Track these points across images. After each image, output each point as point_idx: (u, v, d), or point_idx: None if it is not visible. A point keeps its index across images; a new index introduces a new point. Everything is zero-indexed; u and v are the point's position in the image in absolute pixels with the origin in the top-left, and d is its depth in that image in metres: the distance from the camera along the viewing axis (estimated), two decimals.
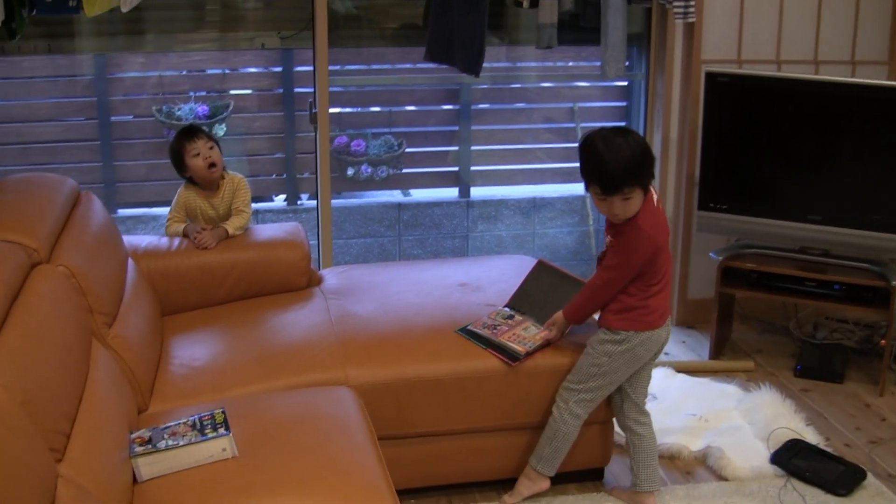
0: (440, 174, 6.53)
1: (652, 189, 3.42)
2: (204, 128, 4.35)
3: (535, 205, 6.49)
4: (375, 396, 3.53)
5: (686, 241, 5.11)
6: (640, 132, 5.26)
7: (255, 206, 6.24)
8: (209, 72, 6.21)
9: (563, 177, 6.51)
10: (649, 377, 3.67)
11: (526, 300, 3.86)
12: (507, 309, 3.85)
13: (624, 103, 5.90)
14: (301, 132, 6.29)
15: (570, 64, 6.35)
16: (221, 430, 2.93)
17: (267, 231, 4.30)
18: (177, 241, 4.17)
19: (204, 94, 6.18)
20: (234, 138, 6.20)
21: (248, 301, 4.11)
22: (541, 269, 3.94)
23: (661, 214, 3.43)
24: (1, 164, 5.83)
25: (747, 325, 5.28)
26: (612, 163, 3.26)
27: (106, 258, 3.57)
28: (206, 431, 2.94)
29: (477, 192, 6.50)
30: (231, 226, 4.17)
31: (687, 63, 4.98)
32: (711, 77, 4.64)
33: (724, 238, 5.01)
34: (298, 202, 6.41)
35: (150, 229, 6.20)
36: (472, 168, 6.49)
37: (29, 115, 6.05)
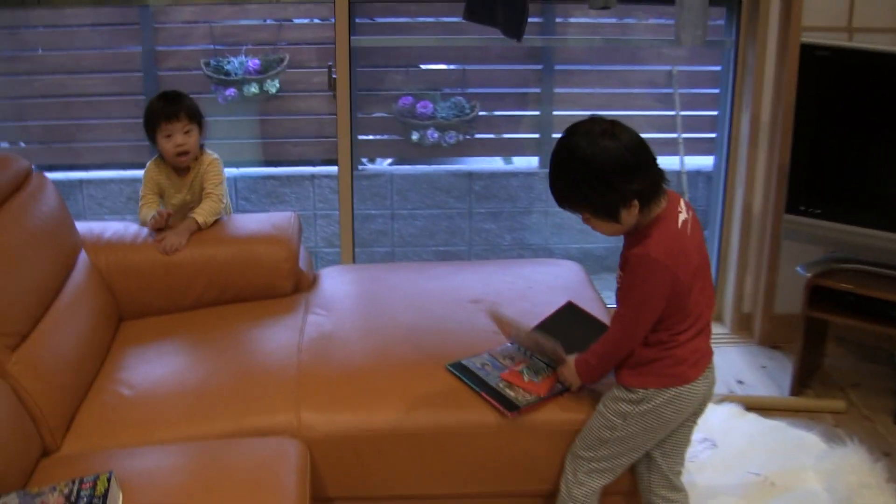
0: (518, 141, 5.65)
1: (682, 203, 2.52)
2: (188, 101, 3.55)
3: None
4: (333, 450, 2.74)
5: (774, 245, 4.11)
6: (727, 109, 4.27)
7: (311, 169, 5.51)
8: (265, 21, 5.42)
9: (658, 148, 5.50)
10: (687, 441, 2.77)
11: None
12: (514, 347, 2.98)
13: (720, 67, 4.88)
14: (362, 90, 5.48)
15: (651, 21, 5.35)
16: None
17: (250, 223, 3.50)
18: (145, 232, 3.41)
19: (256, 46, 5.42)
20: (289, 95, 5.42)
21: (219, 309, 3.35)
22: (568, 312, 3.06)
23: (685, 238, 2.48)
24: (43, 119, 5.30)
25: (844, 349, 4.25)
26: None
27: (30, 262, 2.83)
28: None
29: None
30: (201, 214, 3.41)
31: (784, 30, 3.95)
32: (808, 49, 3.61)
33: (819, 248, 4.01)
34: (360, 167, 5.60)
35: None
36: (554, 136, 5.54)
37: (72, 67, 5.38)
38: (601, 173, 2.37)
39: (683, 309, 2.49)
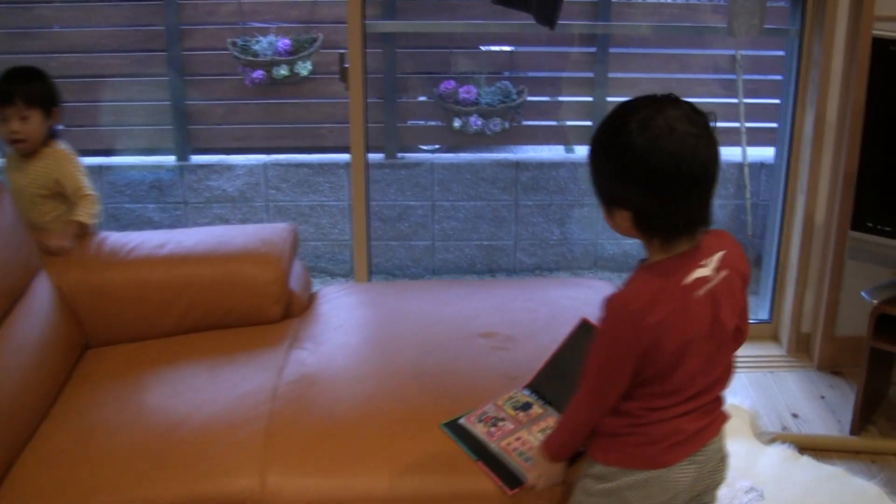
0: (568, 129, 5.14)
1: (717, 258, 1.92)
2: (34, 84, 3.02)
3: None
4: None
5: (838, 261, 3.55)
6: (789, 105, 3.71)
7: (346, 157, 5.06)
8: None
9: (718, 138, 4.99)
10: None
11: (557, 377, 2.45)
12: (525, 391, 2.48)
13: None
14: (403, 73, 5.01)
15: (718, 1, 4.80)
16: None
17: (237, 237, 3.03)
18: (109, 245, 2.99)
19: (287, 24, 4.98)
20: (322, 77, 4.98)
21: (197, 338, 2.88)
22: (584, 331, 2.51)
23: (689, 299, 1.88)
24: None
25: None
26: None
27: None
28: None
29: None
30: (82, 215, 3.01)
31: (854, 20, 3.35)
32: (881, 44, 3.03)
33: (889, 270, 3.44)
34: (399, 155, 5.14)
35: (224, 180, 5.07)
36: None
37: (91, 45, 4.99)
38: (613, 153, 1.84)
39: (665, 382, 1.93)
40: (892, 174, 3.10)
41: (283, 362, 2.68)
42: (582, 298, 3.00)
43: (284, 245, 3.01)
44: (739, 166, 4.91)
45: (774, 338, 3.90)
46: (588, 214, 5.13)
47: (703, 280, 1.89)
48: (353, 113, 3.56)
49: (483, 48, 5.18)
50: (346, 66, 3.49)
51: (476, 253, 5.19)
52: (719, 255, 1.93)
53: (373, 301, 3.04)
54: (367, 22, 3.51)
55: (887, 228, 3.09)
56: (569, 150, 5.24)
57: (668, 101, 1.82)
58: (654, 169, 1.78)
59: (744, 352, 3.82)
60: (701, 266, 1.90)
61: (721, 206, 5.02)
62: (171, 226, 5.12)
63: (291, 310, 2.98)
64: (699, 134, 1.79)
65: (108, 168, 5.10)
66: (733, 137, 4.83)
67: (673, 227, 1.86)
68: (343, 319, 2.91)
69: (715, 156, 1.81)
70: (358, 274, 3.82)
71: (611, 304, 1.87)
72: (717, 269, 1.91)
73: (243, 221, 5.16)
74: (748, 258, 2.03)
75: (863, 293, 3.15)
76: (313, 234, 5.18)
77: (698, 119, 1.81)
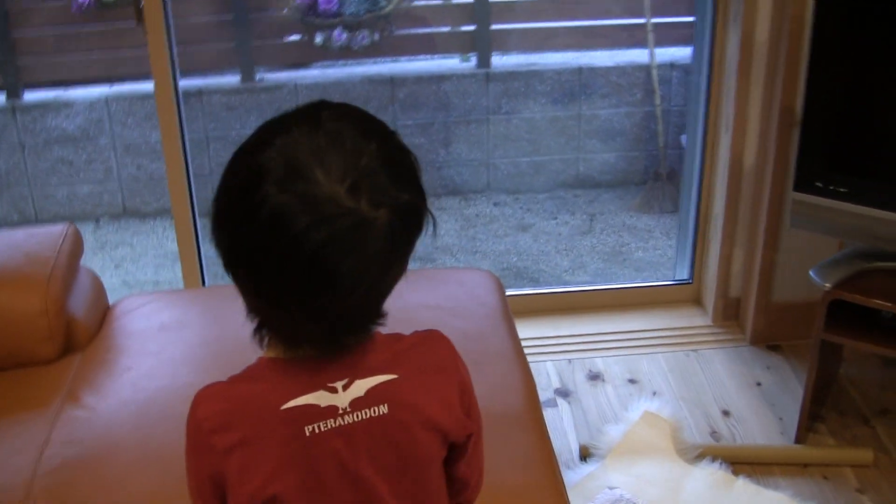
0: (448, 36, 4.27)
1: (372, 386, 1.15)
2: None
3: (582, 77, 4.20)
4: None
5: (773, 218, 2.72)
6: (707, 24, 2.84)
7: (196, 82, 4.15)
8: None
9: (620, 38, 4.19)
10: None
11: None
12: None
13: None
14: None
15: None
16: None
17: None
18: None
19: None
20: None
21: None
22: None
23: (303, 440, 1.12)
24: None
25: (867, 362, 2.83)
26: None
27: None
28: None
29: (501, 62, 4.21)
30: None
31: None
32: None
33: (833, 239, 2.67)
34: (257, 78, 4.24)
35: (62, 118, 4.19)
36: (494, 27, 4.30)
37: None
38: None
39: None
40: (850, 116, 2.26)
41: (48, 435, 1.89)
42: (452, 296, 2.22)
43: (57, 258, 2.16)
44: (647, 68, 4.09)
45: (697, 302, 3.10)
46: (476, 132, 4.29)
47: (320, 411, 1.13)
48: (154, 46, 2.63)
49: None
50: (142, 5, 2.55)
51: None
52: (377, 380, 1.15)
53: (180, 320, 2.20)
54: None
55: (842, 189, 2.26)
56: (465, 60, 4.34)
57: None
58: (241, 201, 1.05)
59: (661, 322, 3.06)
60: (334, 391, 1.13)
61: (626, 114, 4.21)
62: (8, 174, 4.23)
63: (73, 341, 2.15)
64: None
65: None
66: (639, 37, 4.01)
67: (271, 315, 1.13)
68: (135, 355, 2.08)
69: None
70: (179, 228, 2.88)
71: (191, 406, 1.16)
72: (371, 406, 1.15)
73: (88, 163, 4.27)
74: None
75: (811, 273, 2.34)
76: None
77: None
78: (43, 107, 4.25)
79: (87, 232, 4.19)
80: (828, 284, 2.27)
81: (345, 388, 1.12)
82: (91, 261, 3.91)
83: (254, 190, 1.01)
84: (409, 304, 2.18)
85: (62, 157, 4.30)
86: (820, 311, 2.30)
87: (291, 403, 1.11)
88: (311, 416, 1.11)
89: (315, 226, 0.99)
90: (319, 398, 1.11)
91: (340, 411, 1.12)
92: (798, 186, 2.30)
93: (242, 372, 1.16)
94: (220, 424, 1.12)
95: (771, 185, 2.65)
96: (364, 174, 1.02)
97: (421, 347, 1.20)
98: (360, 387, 1.13)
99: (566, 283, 3.66)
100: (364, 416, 1.12)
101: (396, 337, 1.19)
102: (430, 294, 2.25)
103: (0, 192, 4.25)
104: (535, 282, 3.74)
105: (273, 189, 1.00)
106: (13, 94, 4.24)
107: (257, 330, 1.13)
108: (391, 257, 1.06)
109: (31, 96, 4.27)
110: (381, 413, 1.13)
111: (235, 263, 1.08)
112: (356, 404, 1.12)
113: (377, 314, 1.13)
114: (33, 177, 4.28)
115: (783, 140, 2.58)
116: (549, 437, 1.86)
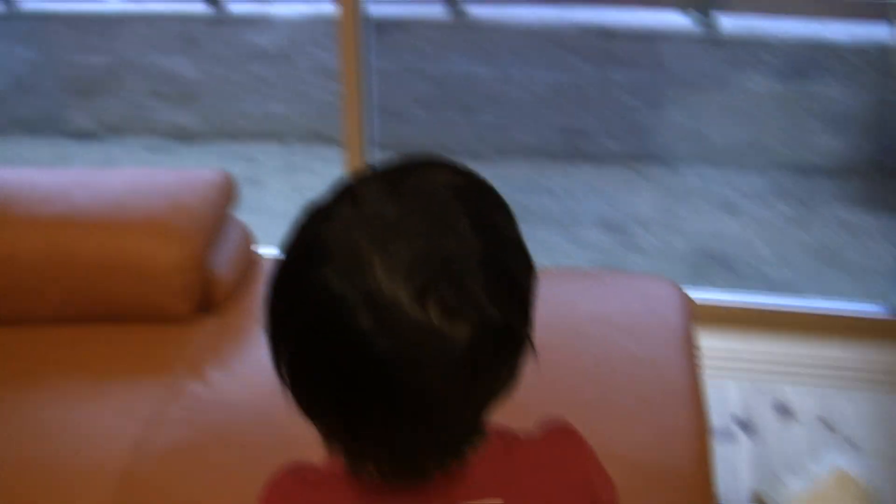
0: None
1: None
2: None
3: (813, 51, 3.76)
4: None
5: None
6: None
7: (387, 9, 3.94)
8: None
9: (862, 10, 3.78)
10: None
11: None
12: None
13: None
14: None
15: None
16: None
17: (144, 195, 1.98)
18: None
19: None
20: None
21: (81, 331, 1.89)
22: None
23: None
24: None
25: None
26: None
27: None
28: None
29: (728, 25, 3.85)
30: None
31: None
32: None
33: None
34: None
35: (261, 34, 4.09)
36: None
37: None
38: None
39: None
40: None
41: (161, 409, 1.70)
42: (629, 309, 1.93)
43: (205, 208, 1.96)
44: (882, 48, 3.62)
45: None
46: (691, 97, 3.91)
47: None
48: None
49: None
50: None
51: (555, 136, 4.04)
52: None
53: None
54: None
55: None
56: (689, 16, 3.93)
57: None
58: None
59: (869, 355, 2.63)
60: None
61: (860, 98, 3.75)
62: (204, 84, 4.12)
63: (211, 299, 1.95)
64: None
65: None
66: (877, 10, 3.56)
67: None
68: None
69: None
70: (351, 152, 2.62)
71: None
72: None
73: (283, 81, 4.13)
74: None
75: None
76: None
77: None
78: (243, 22, 4.13)
79: (273, 152, 4.04)
80: None
81: None
82: (271, 181, 3.74)
83: (309, 268, 0.74)
84: (578, 313, 1.91)
85: (258, 74, 4.18)
86: None
87: None
88: None
89: (378, 330, 0.72)
90: None
91: None
92: None
93: (324, 468, 0.89)
94: None
95: None
96: (441, 272, 0.73)
97: (543, 456, 0.90)
98: None
99: (766, 278, 3.28)
100: None
101: (511, 439, 0.90)
102: (604, 304, 1.95)
103: (190, 102, 4.14)
104: (731, 270, 3.37)
105: (330, 273, 0.73)
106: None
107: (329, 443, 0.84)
108: (476, 382, 0.77)
109: (234, 7, 4.16)
110: None
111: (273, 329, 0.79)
112: None
113: (466, 438, 0.84)
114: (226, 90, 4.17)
115: None
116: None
